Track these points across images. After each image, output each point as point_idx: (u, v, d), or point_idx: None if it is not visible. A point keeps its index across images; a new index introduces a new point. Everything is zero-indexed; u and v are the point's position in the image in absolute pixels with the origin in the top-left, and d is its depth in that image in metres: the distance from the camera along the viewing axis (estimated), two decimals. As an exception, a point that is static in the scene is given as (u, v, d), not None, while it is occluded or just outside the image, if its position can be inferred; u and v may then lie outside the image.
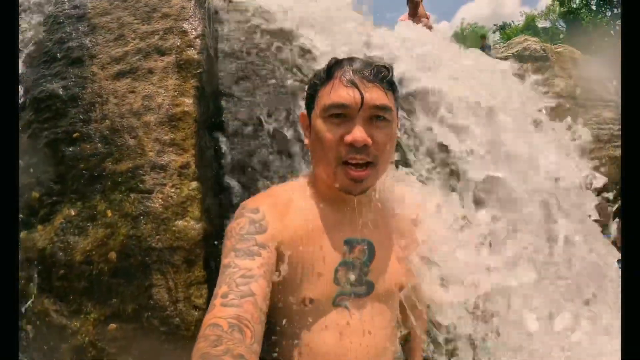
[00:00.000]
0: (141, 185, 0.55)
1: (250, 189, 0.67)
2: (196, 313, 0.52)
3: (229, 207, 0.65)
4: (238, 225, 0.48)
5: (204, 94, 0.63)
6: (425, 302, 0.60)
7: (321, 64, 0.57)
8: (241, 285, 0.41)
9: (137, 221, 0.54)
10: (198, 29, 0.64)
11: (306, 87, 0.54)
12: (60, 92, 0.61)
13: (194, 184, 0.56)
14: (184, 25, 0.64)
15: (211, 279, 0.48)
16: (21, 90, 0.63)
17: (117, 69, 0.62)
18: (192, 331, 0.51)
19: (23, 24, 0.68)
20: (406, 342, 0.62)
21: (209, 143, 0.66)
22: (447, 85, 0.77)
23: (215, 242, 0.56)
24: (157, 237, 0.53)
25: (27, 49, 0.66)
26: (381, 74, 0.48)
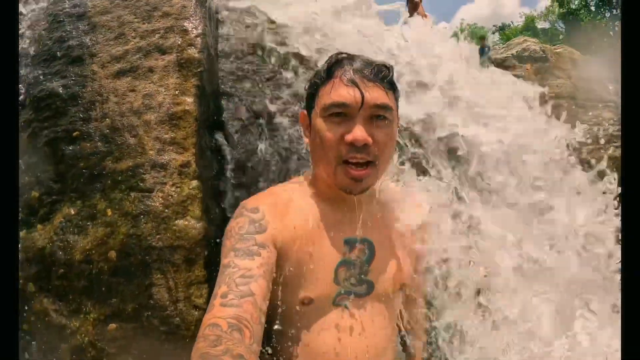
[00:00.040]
0: (141, 184, 0.55)
1: (250, 189, 0.67)
2: (196, 313, 0.52)
3: (229, 207, 0.65)
4: (237, 225, 0.48)
5: (204, 92, 0.63)
6: (425, 302, 0.60)
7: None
8: (241, 285, 0.41)
9: (137, 220, 0.54)
10: (199, 28, 0.64)
11: (306, 86, 0.54)
12: (60, 90, 0.61)
13: (195, 183, 0.56)
14: (185, 24, 0.63)
15: (212, 279, 0.48)
16: (21, 89, 0.63)
17: (117, 68, 0.62)
18: (192, 331, 0.51)
19: (23, 23, 0.68)
20: (406, 343, 0.62)
21: (210, 142, 0.66)
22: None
23: (218, 240, 0.55)
24: (158, 236, 0.53)
25: (27, 48, 0.66)
26: (382, 73, 0.48)
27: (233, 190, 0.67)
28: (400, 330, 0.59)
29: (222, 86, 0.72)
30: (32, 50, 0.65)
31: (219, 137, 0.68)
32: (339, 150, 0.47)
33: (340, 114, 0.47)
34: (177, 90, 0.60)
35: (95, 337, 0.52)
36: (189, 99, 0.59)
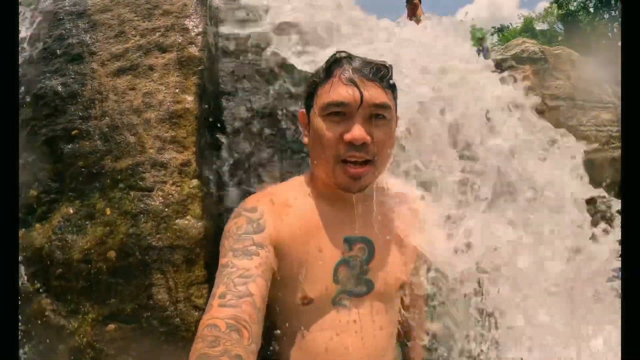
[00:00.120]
0: (141, 183, 0.55)
1: (250, 188, 0.67)
2: (196, 313, 0.51)
3: (229, 206, 0.64)
4: (236, 225, 0.48)
5: (205, 91, 0.63)
6: (425, 301, 0.60)
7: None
8: (239, 286, 0.41)
9: (136, 219, 0.53)
10: (199, 26, 0.64)
11: (305, 85, 0.54)
12: (60, 89, 0.60)
13: (195, 182, 0.55)
14: (186, 22, 0.63)
15: (212, 279, 0.47)
16: (20, 88, 0.62)
17: (117, 66, 0.61)
18: (192, 332, 0.50)
19: (23, 21, 0.68)
20: (406, 343, 0.62)
21: (210, 141, 0.66)
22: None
23: (218, 240, 0.55)
24: (157, 235, 0.53)
25: (27, 46, 0.65)
26: (380, 73, 0.48)
27: (233, 189, 0.67)
28: (400, 330, 0.59)
29: (222, 85, 0.72)
30: (31, 48, 0.65)
31: (219, 136, 0.68)
32: (338, 149, 0.47)
33: (339, 113, 0.47)
34: (177, 88, 0.59)
35: (94, 337, 0.51)
36: (190, 98, 0.59)
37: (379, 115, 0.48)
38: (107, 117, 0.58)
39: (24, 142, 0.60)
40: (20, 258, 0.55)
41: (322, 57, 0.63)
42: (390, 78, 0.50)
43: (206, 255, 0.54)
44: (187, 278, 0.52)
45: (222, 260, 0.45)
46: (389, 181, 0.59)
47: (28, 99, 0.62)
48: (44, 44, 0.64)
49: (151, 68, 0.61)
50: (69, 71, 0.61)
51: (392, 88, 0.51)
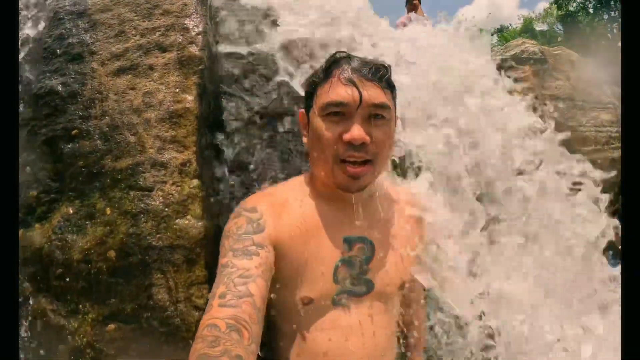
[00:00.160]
0: (141, 183, 0.55)
1: (250, 188, 0.67)
2: (197, 313, 0.51)
3: (229, 206, 0.64)
4: (235, 225, 0.48)
5: (205, 91, 0.63)
6: (425, 301, 0.60)
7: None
8: (239, 286, 0.41)
9: (137, 219, 0.53)
10: (200, 26, 0.63)
11: (305, 85, 0.54)
12: (60, 88, 0.60)
13: (195, 182, 0.55)
14: (186, 22, 0.63)
15: (212, 279, 0.47)
16: (20, 87, 0.62)
17: (117, 66, 0.61)
18: (192, 332, 0.50)
19: (23, 20, 0.68)
20: (406, 342, 0.62)
21: (210, 141, 0.66)
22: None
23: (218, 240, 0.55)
24: (158, 235, 0.52)
25: (27, 45, 0.65)
26: (379, 73, 0.48)
27: (233, 189, 0.66)
28: (400, 330, 0.59)
29: (222, 85, 0.72)
30: (31, 48, 0.65)
31: (220, 135, 0.68)
32: (337, 149, 0.47)
33: (339, 113, 0.48)
34: (177, 88, 0.59)
35: (93, 338, 0.51)
36: (190, 97, 0.59)
37: (378, 115, 0.48)
38: (107, 117, 0.58)
39: (24, 141, 0.59)
40: (19, 258, 0.55)
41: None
42: (389, 78, 0.50)
43: (206, 255, 0.54)
44: (187, 278, 0.52)
45: (222, 260, 0.45)
46: (389, 184, 0.59)
47: (28, 98, 0.62)
48: (44, 44, 0.64)
49: (151, 68, 0.61)
50: (69, 71, 0.61)
51: (391, 88, 0.51)
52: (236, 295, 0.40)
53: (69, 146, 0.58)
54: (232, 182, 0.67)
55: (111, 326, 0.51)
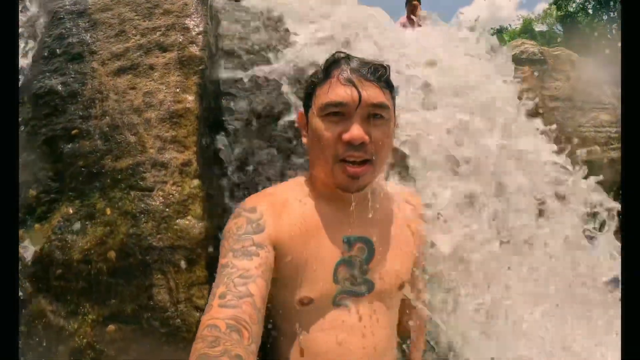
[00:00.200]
0: (141, 183, 0.55)
1: (250, 188, 0.67)
2: (197, 314, 0.51)
3: (230, 207, 0.64)
4: (235, 225, 0.48)
5: (206, 91, 0.63)
6: (425, 301, 0.60)
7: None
8: (239, 286, 0.41)
9: (137, 219, 0.53)
10: (200, 25, 0.63)
11: (304, 86, 0.54)
12: (60, 88, 0.60)
13: (196, 182, 0.55)
14: (186, 21, 0.63)
15: (213, 280, 0.47)
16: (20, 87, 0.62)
17: (117, 65, 0.61)
18: (193, 332, 0.50)
19: (23, 20, 0.67)
20: (406, 342, 0.62)
21: (210, 141, 0.66)
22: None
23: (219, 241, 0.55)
24: (158, 235, 0.52)
25: (26, 45, 0.65)
26: (378, 73, 0.49)
27: (233, 190, 0.66)
28: (400, 330, 0.59)
29: (223, 85, 0.72)
30: (31, 47, 0.65)
31: (220, 136, 0.68)
32: (337, 148, 0.47)
33: (338, 113, 0.48)
34: (178, 88, 0.59)
35: (94, 338, 0.51)
36: (190, 97, 0.59)
37: (377, 115, 0.48)
38: (107, 117, 0.58)
39: (23, 141, 0.59)
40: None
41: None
42: (388, 78, 0.50)
43: (207, 255, 0.54)
44: (188, 278, 0.52)
45: (222, 261, 0.45)
46: (389, 184, 0.59)
47: (28, 98, 0.61)
48: (44, 43, 0.64)
49: (152, 67, 0.61)
50: (69, 70, 0.61)
51: (390, 88, 0.51)
52: (236, 295, 0.41)
53: (69, 146, 0.58)
54: (233, 182, 0.67)
55: (111, 327, 0.51)
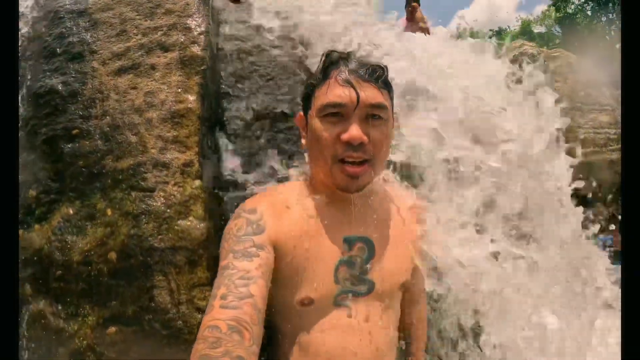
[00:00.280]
0: (143, 183, 0.54)
1: (251, 189, 0.67)
2: (199, 315, 0.51)
3: (231, 207, 0.64)
4: (236, 226, 0.48)
5: (207, 91, 0.62)
6: (426, 301, 0.60)
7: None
8: (240, 287, 0.41)
9: (138, 220, 0.53)
10: (202, 25, 0.63)
11: (303, 87, 0.54)
12: (60, 87, 0.60)
13: (197, 183, 0.55)
14: (188, 21, 0.63)
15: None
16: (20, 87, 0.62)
17: (118, 65, 0.61)
18: (194, 334, 0.49)
19: (23, 19, 0.67)
20: (407, 342, 0.62)
21: (212, 141, 0.65)
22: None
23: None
24: (159, 236, 0.52)
25: (27, 44, 0.64)
26: (376, 74, 0.49)
27: (234, 190, 0.66)
28: (401, 330, 0.59)
29: (224, 86, 0.71)
30: (31, 47, 0.64)
31: (221, 136, 0.68)
32: (336, 149, 0.48)
33: (336, 114, 0.48)
34: (179, 88, 0.59)
35: (94, 340, 0.50)
36: (192, 97, 0.59)
37: (375, 116, 0.48)
38: (108, 117, 0.58)
39: (23, 141, 0.59)
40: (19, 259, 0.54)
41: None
42: (386, 78, 0.50)
43: (209, 256, 0.53)
44: (189, 280, 0.52)
45: (223, 262, 0.45)
46: (388, 184, 0.59)
47: (28, 97, 0.61)
48: (44, 42, 0.63)
49: (153, 67, 0.60)
50: (69, 70, 0.61)
51: (388, 88, 0.51)
52: (237, 296, 0.41)
53: (69, 146, 0.57)
54: (234, 183, 0.67)
55: (112, 329, 0.51)
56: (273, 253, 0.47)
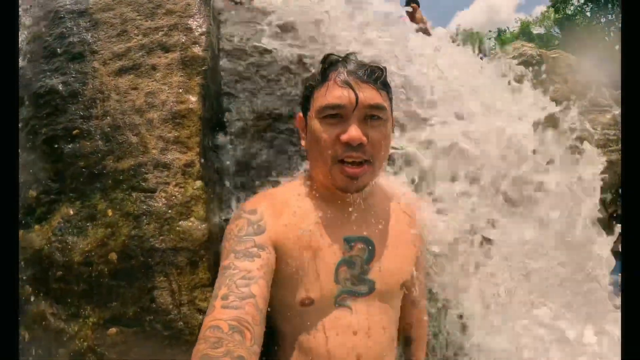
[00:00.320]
0: (143, 184, 0.54)
1: (252, 190, 0.67)
2: (200, 317, 0.50)
3: (232, 208, 0.64)
4: (236, 227, 0.48)
5: (208, 91, 0.62)
6: (426, 301, 0.60)
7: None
8: (241, 287, 0.41)
9: (139, 221, 0.52)
10: (203, 26, 0.63)
11: (302, 88, 0.55)
12: (60, 87, 0.60)
13: (199, 183, 0.55)
14: (189, 22, 0.63)
15: (216, 281, 0.47)
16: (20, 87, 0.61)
17: (119, 65, 0.60)
18: (196, 335, 0.49)
19: (23, 19, 0.67)
20: (407, 342, 0.62)
21: (213, 142, 0.65)
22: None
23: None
24: (160, 237, 0.52)
25: (27, 44, 0.64)
26: (375, 74, 0.49)
27: (235, 191, 0.66)
28: (401, 330, 0.59)
29: (224, 86, 0.71)
30: (31, 47, 0.64)
31: (222, 136, 0.68)
32: (335, 150, 0.48)
33: (336, 115, 0.48)
34: (181, 88, 0.59)
35: (94, 342, 0.50)
36: (193, 98, 0.58)
37: (374, 116, 0.49)
38: (108, 117, 0.58)
39: (23, 141, 0.59)
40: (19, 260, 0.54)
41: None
42: (385, 79, 0.51)
43: (210, 257, 0.53)
44: (190, 281, 0.52)
45: (224, 262, 0.45)
46: (387, 183, 0.60)
47: (28, 97, 0.61)
48: (44, 42, 0.63)
49: (154, 68, 0.60)
50: (69, 70, 0.60)
51: (387, 89, 0.52)
52: (239, 296, 0.41)
53: (70, 146, 0.57)
54: (235, 183, 0.67)
55: (113, 330, 0.50)
56: (274, 253, 0.47)
